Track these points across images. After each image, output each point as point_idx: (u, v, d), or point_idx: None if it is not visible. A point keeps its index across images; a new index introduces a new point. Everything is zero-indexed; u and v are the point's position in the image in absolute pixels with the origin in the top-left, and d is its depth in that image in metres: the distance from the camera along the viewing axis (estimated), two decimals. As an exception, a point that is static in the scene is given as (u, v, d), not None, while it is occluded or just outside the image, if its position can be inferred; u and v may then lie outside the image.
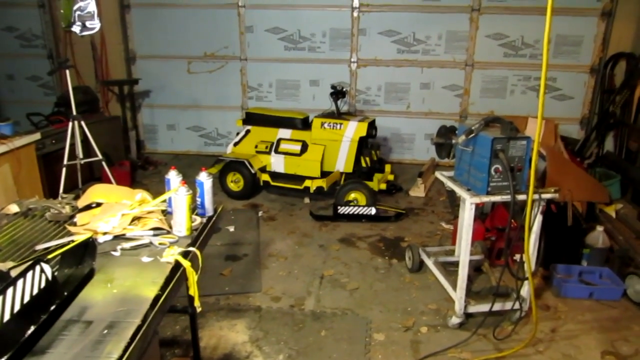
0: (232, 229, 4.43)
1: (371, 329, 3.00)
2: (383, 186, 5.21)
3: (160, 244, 1.87)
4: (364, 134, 4.94)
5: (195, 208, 2.15)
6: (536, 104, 6.65)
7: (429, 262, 3.50)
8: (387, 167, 5.45)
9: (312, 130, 5.07)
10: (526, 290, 3.00)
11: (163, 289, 1.57)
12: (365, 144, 5.17)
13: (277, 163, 5.20)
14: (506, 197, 2.68)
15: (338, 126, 4.99)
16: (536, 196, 2.66)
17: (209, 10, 6.38)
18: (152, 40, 6.62)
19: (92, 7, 4.04)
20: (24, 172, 4.06)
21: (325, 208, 4.98)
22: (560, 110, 6.13)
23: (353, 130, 4.96)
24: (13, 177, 3.92)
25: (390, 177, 5.44)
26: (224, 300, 3.29)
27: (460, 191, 2.89)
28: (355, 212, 4.64)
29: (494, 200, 2.73)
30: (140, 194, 2.13)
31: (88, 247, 1.71)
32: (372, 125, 5.09)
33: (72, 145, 4.33)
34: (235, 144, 5.37)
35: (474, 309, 2.99)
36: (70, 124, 4.27)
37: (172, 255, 1.76)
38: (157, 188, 5.34)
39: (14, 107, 6.82)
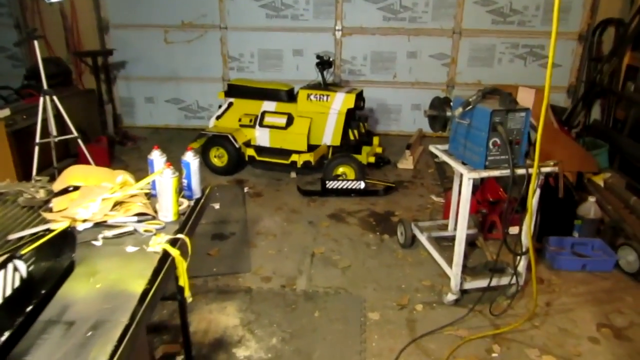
0: (217, 206, 4.28)
1: (365, 308, 2.93)
2: (372, 159, 5.09)
3: (145, 231, 1.73)
4: (352, 105, 4.79)
5: (181, 190, 2.01)
6: (524, 72, 6.53)
7: (422, 238, 3.42)
8: (375, 140, 5.33)
9: (298, 102, 4.90)
10: (522, 264, 2.96)
11: (151, 282, 1.43)
12: (353, 116, 5.03)
13: (262, 137, 5.03)
14: (505, 172, 2.60)
15: (325, 98, 4.82)
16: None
17: (186, -24, 6.06)
18: (126, 8, 6.27)
19: (60, -28, 3.76)
20: (-7, 151, 3.83)
21: (313, 183, 4.86)
22: (547, 78, 6.05)
23: (340, 102, 4.80)
24: (-18, 157, 3.70)
25: (379, 150, 5.33)
26: (212, 282, 3.18)
27: (456, 166, 2.79)
28: (344, 187, 4.53)
29: (493, 174, 2.64)
30: (122, 176, 1.96)
31: (67, 237, 1.55)
32: (360, 97, 4.93)
33: (45, 121, 4.09)
34: (218, 118, 5.18)
35: (469, 285, 2.94)
36: (42, 98, 4.02)
37: (159, 244, 1.63)
38: (137, 164, 5.14)
39: (-20, 81, 6.46)
